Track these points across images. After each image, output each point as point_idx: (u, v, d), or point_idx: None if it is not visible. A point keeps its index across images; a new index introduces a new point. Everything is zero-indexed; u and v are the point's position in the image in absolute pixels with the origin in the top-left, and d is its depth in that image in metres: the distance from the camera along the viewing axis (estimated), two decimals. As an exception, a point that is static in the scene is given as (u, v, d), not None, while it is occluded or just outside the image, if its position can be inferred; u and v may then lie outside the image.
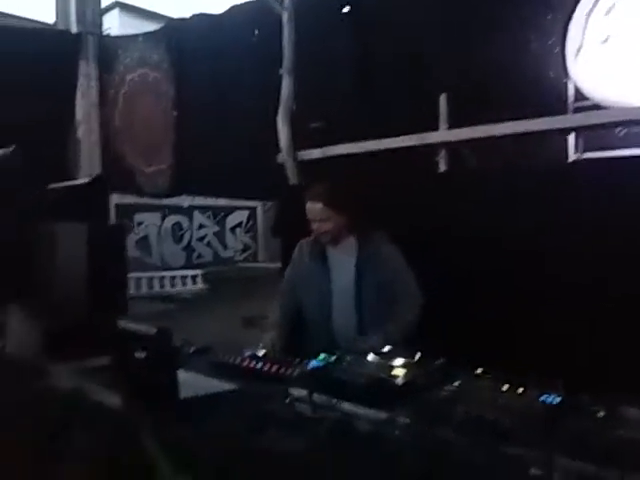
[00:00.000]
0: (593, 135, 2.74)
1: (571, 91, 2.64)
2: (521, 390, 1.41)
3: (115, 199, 7.78)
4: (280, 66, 3.54)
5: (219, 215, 14.23)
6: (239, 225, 14.75)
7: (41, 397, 0.65)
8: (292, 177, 3.57)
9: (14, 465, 0.58)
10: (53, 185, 1.92)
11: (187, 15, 4.37)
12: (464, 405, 1.33)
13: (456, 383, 1.47)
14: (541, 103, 2.70)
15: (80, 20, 4.81)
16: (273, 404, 1.44)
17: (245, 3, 3.95)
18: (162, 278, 10.89)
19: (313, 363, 1.65)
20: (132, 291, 9.02)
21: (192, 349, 2.15)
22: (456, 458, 1.18)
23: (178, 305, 9.06)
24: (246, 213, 14.71)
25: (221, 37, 4.08)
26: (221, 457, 0.96)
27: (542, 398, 1.36)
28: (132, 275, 9.10)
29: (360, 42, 3.39)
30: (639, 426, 1.23)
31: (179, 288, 10.93)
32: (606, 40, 2.54)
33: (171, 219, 13.19)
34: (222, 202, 12.98)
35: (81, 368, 0.92)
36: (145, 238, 12.52)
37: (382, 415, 1.37)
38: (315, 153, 3.54)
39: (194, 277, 11.41)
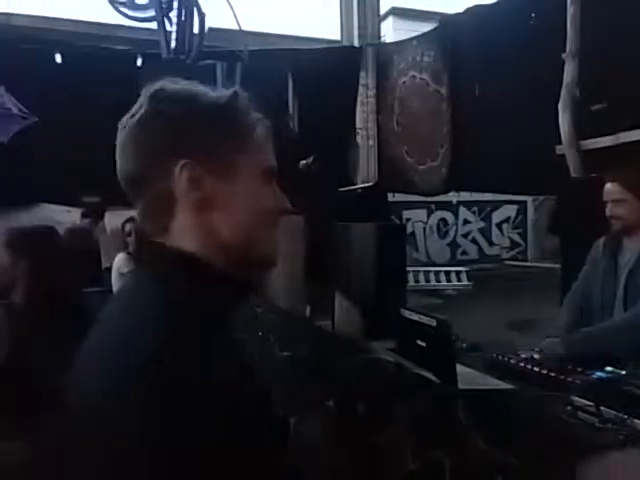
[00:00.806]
0: None
1: None
2: None
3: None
4: (562, 50, 3.28)
5: (485, 210, 13.86)
6: (506, 221, 14.13)
7: (366, 367, 0.76)
8: (574, 169, 3.29)
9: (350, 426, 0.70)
10: (343, 189, 2.14)
11: (461, 10, 4.37)
12: None
13: None
14: None
15: (361, 34, 5.24)
16: (553, 409, 1.38)
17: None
18: (427, 273, 11.12)
19: (599, 374, 1.53)
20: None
21: (463, 344, 2.17)
22: None
23: (442, 300, 9.17)
24: (514, 208, 13.99)
25: (495, 27, 3.97)
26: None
27: None
28: (400, 269, 9.54)
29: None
30: None
31: (443, 284, 11.03)
32: None
33: (437, 215, 13.36)
34: (488, 197, 12.61)
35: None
36: (412, 234, 12.96)
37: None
38: (604, 141, 3.19)
39: (458, 273, 11.37)
